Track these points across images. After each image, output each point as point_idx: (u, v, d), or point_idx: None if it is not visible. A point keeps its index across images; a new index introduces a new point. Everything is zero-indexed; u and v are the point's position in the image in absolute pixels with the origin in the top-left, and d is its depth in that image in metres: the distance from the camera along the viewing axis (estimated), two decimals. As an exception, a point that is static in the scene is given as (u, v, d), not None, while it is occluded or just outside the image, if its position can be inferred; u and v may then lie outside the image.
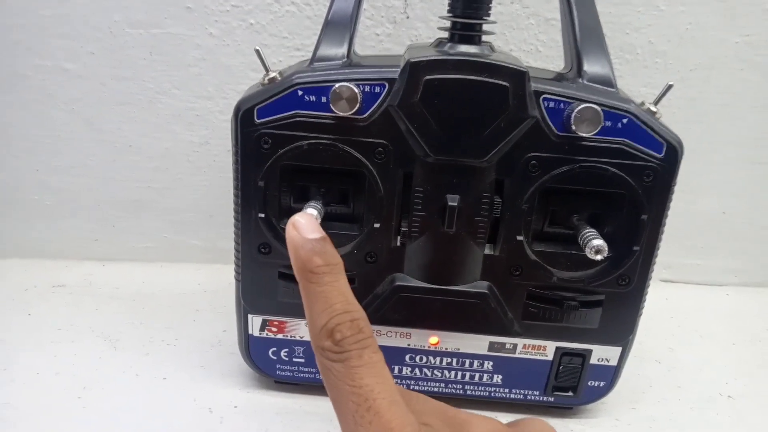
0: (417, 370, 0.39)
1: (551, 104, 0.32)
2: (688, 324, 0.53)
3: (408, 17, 0.47)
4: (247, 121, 0.33)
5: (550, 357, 0.38)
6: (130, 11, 0.47)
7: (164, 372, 0.42)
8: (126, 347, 0.44)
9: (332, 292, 0.25)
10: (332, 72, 0.33)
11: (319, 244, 0.26)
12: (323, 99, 0.32)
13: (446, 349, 0.38)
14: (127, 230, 0.55)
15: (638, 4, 0.49)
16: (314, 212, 0.32)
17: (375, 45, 0.48)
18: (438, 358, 0.38)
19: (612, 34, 0.49)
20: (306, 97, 0.32)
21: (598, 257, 0.32)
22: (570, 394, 0.39)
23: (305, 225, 0.27)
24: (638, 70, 0.51)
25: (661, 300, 0.55)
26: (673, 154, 0.33)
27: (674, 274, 0.59)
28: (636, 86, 0.51)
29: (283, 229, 0.35)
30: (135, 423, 0.37)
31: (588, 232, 0.33)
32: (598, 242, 0.32)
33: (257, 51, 0.34)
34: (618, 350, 0.38)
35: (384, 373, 0.23)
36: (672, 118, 0.52)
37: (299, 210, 0.35)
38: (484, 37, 0.34)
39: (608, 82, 0.34)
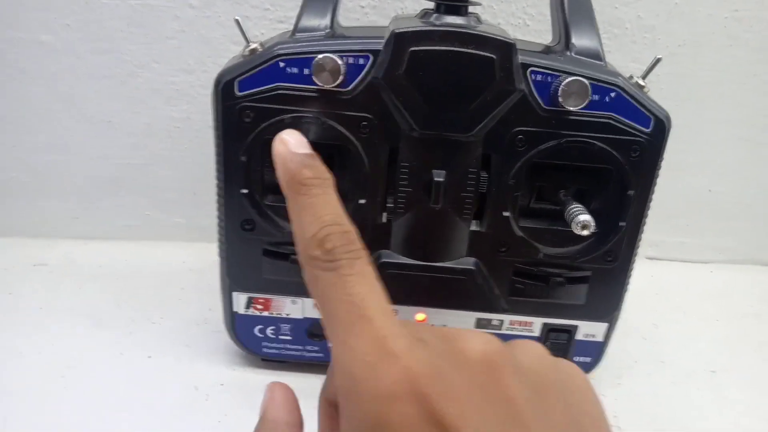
0: (403, 347, 0.39)
1: (539, 77, 0.32)
2: (673, 301, 0.53)
3: (394, -11, 0.46)
4: (227, 93, 0.32)
5: (537, 333, 0.38)
6: (107, -19, 0.45)
7: (149, 351, 0.41)
8: (109, 326, 0.44)
9: (322, 203, 0.23)
10: (315, 43, 0.32)
11: (308, 158, 0.25)
12: (306, 71, 0.31)
13: (433, 325, 0.38)
14: (108, 208, 0.54)
15: None
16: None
17: (360, 18, 0.47)
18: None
19: (601, 9, 0.48)
20: (288, 68, 0.32)
21: (585, 232, 0.32)
22: (556, 369, 0.39)
23: (294, 140, 0.25)
24: (627, 44, 0.50)
25: (647, 277, 0.55)
26: (660, 129, 0.33)
27: (660, 251, 0.59)
28: (625, 61, 0.50)
29: (267, 206, 0.35)
30: (119, 402, 0.37)
31: (574, 207, 0.33)
32: (585, 217, 0.32)
33: (237, 21, 0.33)
34: (604, 326, 0.38)
35: (376, 285, 0.21)
36: (660, 94, 0.52)
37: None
38: (471, 8, 0.34)
39: (596, 56, 0.34)
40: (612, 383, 0.42)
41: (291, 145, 0.25)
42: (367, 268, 0.21)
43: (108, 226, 0.54)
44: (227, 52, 0.47)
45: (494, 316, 0.37)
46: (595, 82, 0.32)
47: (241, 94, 0.32)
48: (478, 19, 0.33)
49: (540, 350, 0.21)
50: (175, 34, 0.47)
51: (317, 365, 0.40)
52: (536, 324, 0.38)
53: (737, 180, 0.57)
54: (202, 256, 0.52)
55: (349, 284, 0.20)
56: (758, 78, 0.52)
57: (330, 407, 0.24)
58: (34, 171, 0.52)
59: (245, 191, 0.34)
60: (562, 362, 0.21)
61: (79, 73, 0.48)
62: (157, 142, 0.51)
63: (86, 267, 0.51)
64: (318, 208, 0.23)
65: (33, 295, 0.47)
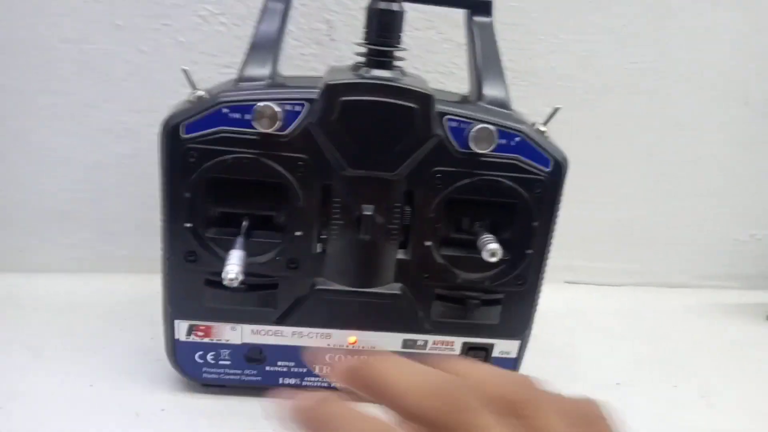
0: (338, 368, 0.42)
1: (454, 124, 0.36)
2: (588, 321, 0.58)
3: (333, 39, 0.51)
4: (174, 135, 0.35)
5: (457, 351, 0.42)
6: (60, 27, 0.48)
7: (90, 380, 0.42)
8: (51, 357, 0.44)
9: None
10: (256, 91, 0.36)
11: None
12: (246, 116, 0.35)
13: (363, 347, 0.41)
14: (54, 241, 0.55)
15: (540, 33, 0.54)
16: (239, 255, 0.35)
17: (302, 64, 0.51)
18: (356, 357, 0.41)
19: (517, 59, 0.55)
20: (231, 114, 0.35)
21: (493, 259, 0.36)
22: (478, 385, 0.43)
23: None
24: (543, 91, 0.56)
25: (565, 300, 0.60)
26: (559, 169, 0.38)
27: (577, 275, 0.65)
28: (542, 107, 0.56)
29: (209, 239, 0.37)
30: (60, 430, 0.38)
31: (485, 237, 0.37)
32: (493, 246, 0.36)
33: (184, 71, 0.36)
34: (517, 343, 0.42)
35: None
36: (575, 135, 0.58)
37: (227, 219, 0.38)
38: (398, 63, 0.38)
39: (504, 105, 0.39)
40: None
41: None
42: None
43: (54, 259, 0.55)
44: (175, 94, 0.49)
45: (419, 337, 0.41)
46: (502, 129, 0.36)
47: (186, 136, 0.35)
48: (403, 72, 0.38)
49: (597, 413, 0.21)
50: (126, 76, 0.50)
51: (255, 389, 0.42)
52: (457, 343, 0.42)
53: (643, 210, 0.64)
54: (146, 287, 0.53)
55: None
56: (655, 121, 0.60)
57: None
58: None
59: (189, 225, 0.37)
60: None
61: (30, 112, 0.50)
62: (105, 178, 0.53)
63: (29, 299, 0.52)
64: None
65: (-26, 327, 0.47)
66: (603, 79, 0.57)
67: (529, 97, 0.56)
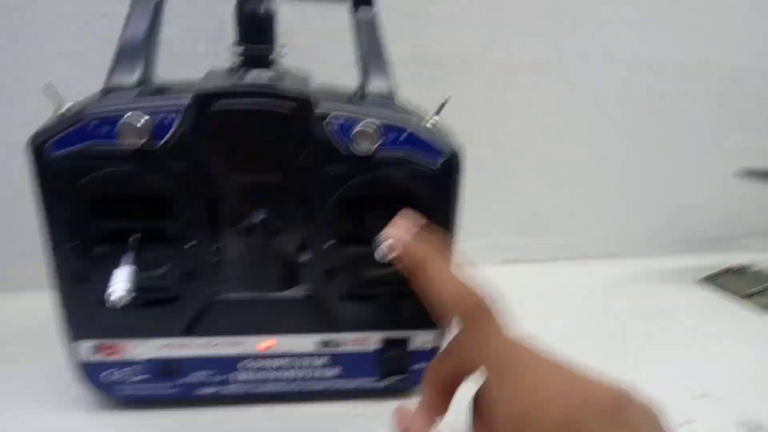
0: (255, 374, 0.41)
1: (336, 126, 0.35)
2: (525, 298, 0.58)
3: (225, 36, 0.48)
4: (41, 154, 0.33)
5: (376, 347, 0.41)
6: None
7: (3, 408, 0.41)
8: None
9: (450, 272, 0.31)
10: (122, 102, 0.34)
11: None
12: (115, 130, 0.33)
13: (280, 351, 0.41)
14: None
15: (439, 19, 0.52)
16: (124, 273, 0.33)
17: (197, 64, 0.48)
18: (273, 360, 0.41)
19: (418, 48, 0.52)
20: (99, 128, 0.33)
21: (386, 260, 0.35)
22: (400, 377, 0.43)
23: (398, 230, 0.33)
24: (450, 78, 0.54)
25: (502, 280, 0.60)
26: (451, 161, 0.37)
27: (512, 255, 0.65)
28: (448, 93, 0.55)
29: (99, 257, 0.36)
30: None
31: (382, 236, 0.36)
32: (383, 248, 0.35)
33: (46, 86, 0.34)
34: (435, 333, 0.42)
35: (518, 335, 0.29)
36: (491, 117, 0.58)
37: (116, 234, 0.36)
38: (279, 58, 0.36)
39: (390, 98, 0.37)
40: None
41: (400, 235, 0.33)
42: (507, 322, 0.29)
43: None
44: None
45: (334, 336, 0.41)
46: (387, 125, 0.35)
47: (55, 155, 0.33)
48: (284, 70, 0.36)
49: (655, 414, 0.25)
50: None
51: (173, 401, 0.41)
52: (373, 339, 0.41)
53: (568, 184, 0.63)
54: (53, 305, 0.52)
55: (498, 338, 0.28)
56: (571, 96, 0.59)
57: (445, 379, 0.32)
58: None
59: (72, 245, 0.35)
60: None
61: None
62: (2, 194, 0.50)
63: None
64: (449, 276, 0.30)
65: None
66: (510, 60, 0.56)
67: (434, 86, 0.55)
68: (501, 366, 0.27)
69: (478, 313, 0.29)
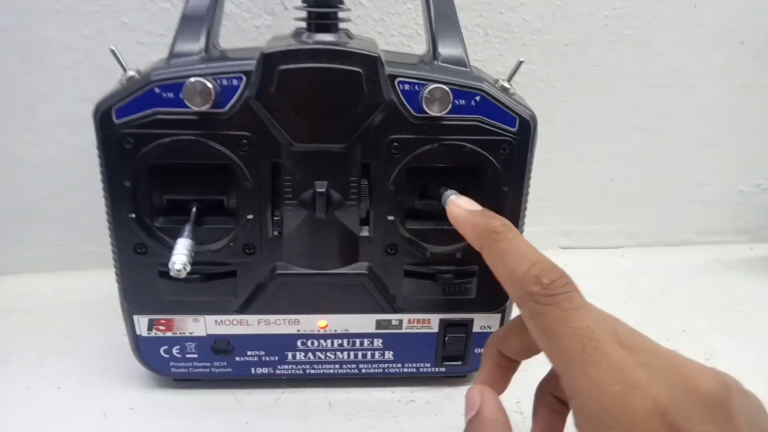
0: (311, 354, 0.40)
1: (406, 87, 0.33)
2: (585, 286, 0.56)
3: (286, 8, 0.48)
4: (106, 121, 0.33)
5: (435, 329, 0.40)
6: (-5, 16, 0.45)
7: (58, 382, 0.41)
8: (18, 361, 0.43)
9: (523, 245, 0.27)
10: (188, 67, 0.33)
11: (487, 212, 0.30)
12: (180, 95, 0.32)
13: (335, 331, 0.39)
14: (20, 241, 0.53)
15: None
16: (185, 244, 0.33)
17: (256, 37, 0.48)
18: (329, 341, 0.39)
19: (488, 14, 0.51)
20: (163, 94, 0.32)
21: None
22: (459, 363, 0.41)
23: (465, 201, 0.31)
24: (516, 47, 0.53)
25: (561, 266, 0.58)
26: (526, 128, 0.35)
27: (572, 240, 0.62)
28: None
29: (158, 228, 0.35)
30: (25, 436, 0.36)
31: (448, 192, 0.34)
32: (453, 196, 0.33)
33: (112, 51, 0.34)
34: (498, 317, 0.40)
35: (600, 314, 0.24)
36: (554, 92, 0.55)
37: (175, 207, 0.35)
38: (343, 25, 0.35)
39: (461, 63, 0.36)
40: (518, 370, 0.44)
41: (466, 205, 0.31)
42: (584, 301, 0.24)
43: (20, 260, 0.53)
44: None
45: (393, 317, 0.39)
46: (459, 88, 0.33)
47: (119, 121, 0.33)
48: (349, 35, 0.35)
49: (762, 406, 0.22)
50: (72, 64, 0.47)
51: (227, 381, 0.40)
52: (434, 321, 0.39)
53: (636, 167, 0.60)
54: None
55: (576, 317, 0.23)
56: (644, 71, 0.56)
57: (554, 399, 0.29)
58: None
59: (133, 215, 0.35)
60: None
61: (-25, 109, 0.48)
62: (65, 172, 0.51)
63: (-1, 303, 0.50)
64: (521, 248, 0.26)
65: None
66: (581, 29, 0.53)
67: (503, 54, 0.53)
68: (585, 343, 0.23)
69: (560, 288, 0.25)
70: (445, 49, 0.36)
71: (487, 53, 0.52)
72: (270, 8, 0.48)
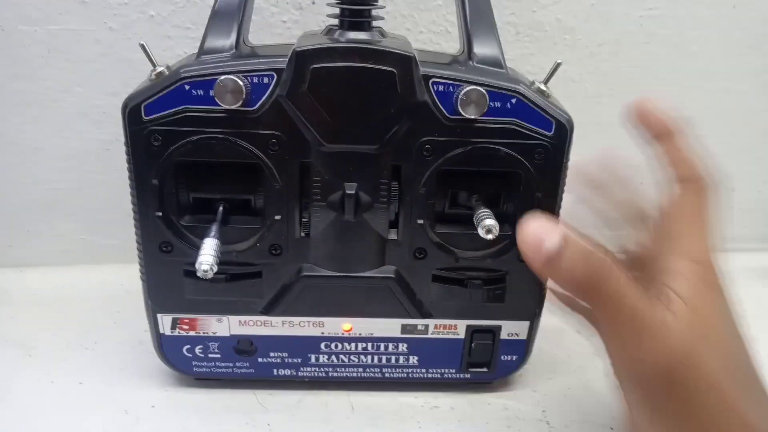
0: (334, 357, 0.39)
1: (441, 87, 0.32)
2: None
3: (314, 2, 0.47)
4: (135, 118, 0.32)
5: (462, 335, 0.39)
6: (22, 8, 0.45)
7: (80, 377, 0.41)
8: (41, 354, 0.43)
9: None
10: (218, 64, 0.32)
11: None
12: (211, 92, 0.32)
13: (360, 334, 0.38)
14: (41, 234, 0.53)
15: None
16: (212, 244, 0.32)
17: (283, 32, 0.47)
18: (353, 344, 0.39)
19: (520, 13, 0.50)
20: (193, 91, 0.32)
21: (489, 237, 0.32)
22: (485, 369, 0.40)
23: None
24: (548, 47, 0.51)
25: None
26: (562, 132, 0.34)
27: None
28: (548, 63, 0.51)
29: (184, 227, 0.35)
30: (47, 430, 0.36)
31: (482, 212, 0.33)
32: (489, 222, 0.32)
33: (142, 46, 0.33)
34: (526, 324, 0.39)
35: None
36: (585, 93, 0.54)
37: (201, 206, 0.35)
38: (376, 23, 0.34)
39: (497, 63, 0.35)
40: (544, 379, 0.43)
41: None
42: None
43: (42, 253, 0.53)
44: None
45: (419, 321, 0.38)
46: (495, 90, 0.32)
47: (148, 118, 0.32)
48: (382, 33, 0.34)
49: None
50: (97, 57, 0.47)
51: (249, 381, 0.40)
52: (460, 326, 0.38)
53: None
54: (139, 277, 0.52)
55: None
56: (677, 72, 0.54)
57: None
58: (-38, 201, 0.51)
59: (159, 214, 0.34)
60: None
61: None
62: (87, 165, 0.51)
63: (20, 295, 0.50)
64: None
65: (-36, 326, 0.46)
66: (614, 30, 0.52)
67: (534, 53, 0.52)
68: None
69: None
70: (481, 49, 0.35)
71: (518, 52, 0.51)
72: (298, 3, 0.47)
